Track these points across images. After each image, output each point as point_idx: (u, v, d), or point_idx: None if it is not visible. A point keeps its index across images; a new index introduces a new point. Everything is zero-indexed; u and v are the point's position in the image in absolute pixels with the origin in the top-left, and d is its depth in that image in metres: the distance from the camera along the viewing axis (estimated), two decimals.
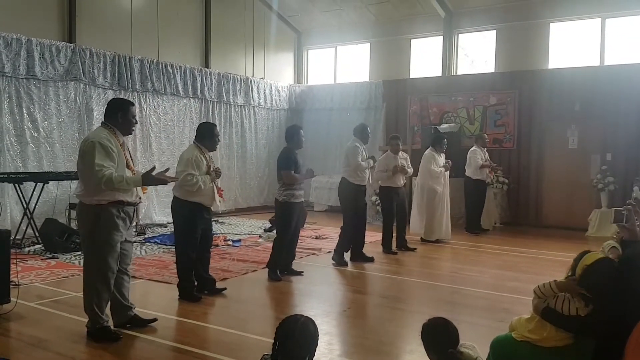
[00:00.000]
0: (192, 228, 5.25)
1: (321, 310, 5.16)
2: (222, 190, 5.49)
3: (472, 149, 9.75)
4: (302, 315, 2.58)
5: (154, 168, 4.26)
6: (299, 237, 6.96)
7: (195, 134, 5.43)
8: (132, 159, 4.30)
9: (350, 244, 7.21)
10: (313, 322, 2.55)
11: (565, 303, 2.87)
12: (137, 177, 4.07)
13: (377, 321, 4.98)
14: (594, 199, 9.84)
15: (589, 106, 10.16)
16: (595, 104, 10.08)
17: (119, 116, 4.16)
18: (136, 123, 4.34)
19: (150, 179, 4.07)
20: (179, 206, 5.27)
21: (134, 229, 4.51)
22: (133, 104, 4.36)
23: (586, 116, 10.21)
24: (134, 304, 4.50)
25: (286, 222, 6.23)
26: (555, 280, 2.95)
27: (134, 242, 4.59)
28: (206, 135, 5.32)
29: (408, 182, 9.36)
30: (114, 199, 4.06)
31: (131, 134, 4.37)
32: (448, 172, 8.76)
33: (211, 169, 5.28)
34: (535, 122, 10.81)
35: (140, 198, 4.33)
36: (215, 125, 5.56)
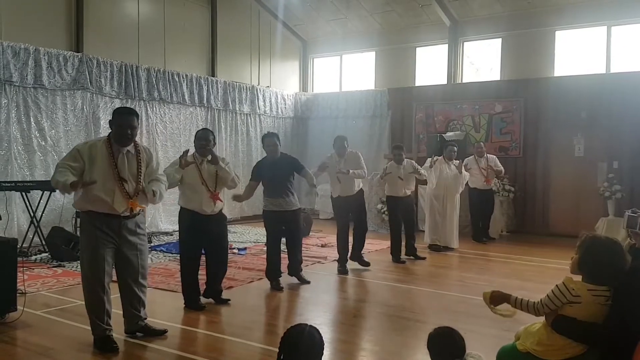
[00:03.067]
0: (186, 235, 5.30)
1: (326, 319, 5.14)
2: (218, 192, 5.30)
3: (467, 158, 9.66)
4: (308, 325, 2.57)
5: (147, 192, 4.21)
6: (305, 245, 6.98)
7: None
8: (138, 170, 4.18)
9: (346, 250, 7.22)
10: (318, 331, 2.54)
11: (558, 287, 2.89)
12: (69, 179, 3.86)
13: (382, 330, 4.96)
14: (600, 207, 9.78)
15: (595, 114, 10.13)
16: (602, 111, 10.05)
17: (111, 126, 4.21)
18: (129, 134, 4.11)
19: (74, 184, 3.87)
20: (179, 214, 5.40)
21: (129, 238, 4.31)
22: (125, 113, 4.20)
23: (592, 124, 10.17)
24: (146, 314, 4.48)
25: (267, 231, 6.36)
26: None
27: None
28: (194, 140, 5.39)
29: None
30: (86, 209, 4.12)
31: (125, 144, 4.14)
32: (464, 180, 8.84)
33: (205, 175, 5.21)
34: (541, 130, 10.79)
35: (129, 211, 4.15)
36: (205, 130, 5.46)
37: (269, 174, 6.18)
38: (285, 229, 6.31)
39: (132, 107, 9.71)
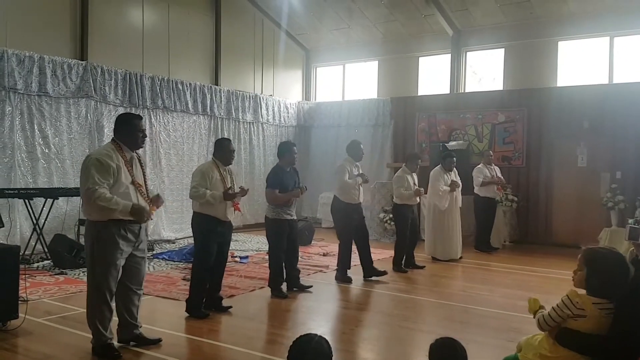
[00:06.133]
0: (205, 242, 5.28)
1: (328, 328, 5.13)
2: (239, 203, 5.49)
3: (477, 167, 9.75)
4: (316, 334, 2.55)
5: (157, 196, 4.35)
6: (307, 254, 6.95)
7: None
8: (144, 175, 4.30)
9: (350, 260, 7.16)
10: (327, 341, 2.53)
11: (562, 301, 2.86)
12: (127, 205, 3.98)
13: (384, 340, 4.94)
14: (603, 217, 9.74)
15: (598, 124, 10.13)
16: (604, 122, 10.05)
17: (124, 131, 4.19)
18: (144, 137, 4.26)
19: (138, 211, 4.00)
20: (194, 220, 5.36)
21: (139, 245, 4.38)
22: (139, 118, 4.31)
23: (595, 134, 10.17)
24: (141, 322, 4.49)
25: (275, 239, 6.24)
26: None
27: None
28: (219, 150, 5.42)
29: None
30: (115, 217, 4.03)
31: (139, 148, 4.29)
32: (459, 190, 8.76)
33: (228, 183, 5.33)
34: (544, 140, 10.79)
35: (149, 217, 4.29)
36: (230, 140, 5.62)
37: (291, 182, 6.28)
38: (289, 238, 6.30)
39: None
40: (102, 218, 4.03)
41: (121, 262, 4.16)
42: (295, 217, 6.42)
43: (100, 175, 3.95)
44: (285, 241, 6.25)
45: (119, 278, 4.20)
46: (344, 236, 7.12)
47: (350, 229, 7.07)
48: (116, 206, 3.93)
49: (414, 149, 12.12)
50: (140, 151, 4.43)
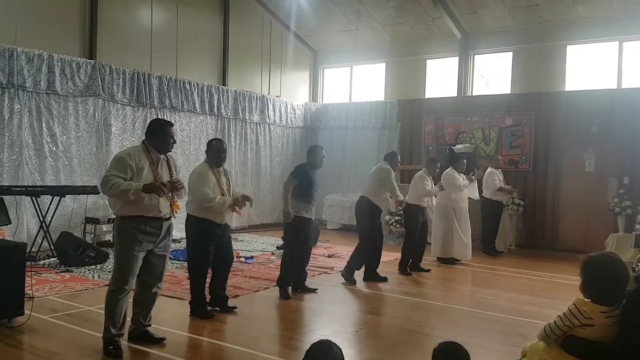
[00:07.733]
0: (203, 244, 5.26)
1: (333, 330, 5.12)
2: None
3: (488, 170, 9.71)
4: (333, 343, 2.53)
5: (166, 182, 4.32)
6: (312, 255, 6.93)
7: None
8: (171, 176, 4.33)
9: (364, 263, 7.17)
10: (340, 349, 2.53)
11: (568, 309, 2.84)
12: (139, 185, 4.04)
13: (388, 343, 4.93)
14: (610, 222, 9.70)
15: (606, 129, 10.07)
16: (613, 127, 10.00)
17: (155, 135, 4.29)
18: (173, 142, 4.34)
19: (151, 187, 4.03)
20: (190, 223, 5.31)
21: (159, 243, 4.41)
22: (170, 125, 4.39)
23: (603, 139, 10.11)
24: (150, 321, 4.50)
25: (293, 236, 6.24)
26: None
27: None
28: (215, 152, 5.35)
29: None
30: (135, 214, 4.14)
31: (166, 152, 4.34)
32: (473, 191, 8.79)
33: (224, 185, 5.29)
34: (552, 144, 10.74)
35: (171, 214, 4.32)
36: (221, 141, 5.54)
37: (315, 181, 6.31)
38: (304, 238, 6.30)
39: (144, 114, 9.86)
40: (125, 213, 4.16)
41: (140, 255, 4.21)
42: (312, 217, 6.39)
43: (117, 170, 4.08)
44: (302, 239, 6.26)
45: (136, 273, 4.25)
46: (370, 238, 7.12)
47: (377, 231, 7.18)
48: (129, 187, 4.00)
49: (421, 152, 12.13)
50: None
